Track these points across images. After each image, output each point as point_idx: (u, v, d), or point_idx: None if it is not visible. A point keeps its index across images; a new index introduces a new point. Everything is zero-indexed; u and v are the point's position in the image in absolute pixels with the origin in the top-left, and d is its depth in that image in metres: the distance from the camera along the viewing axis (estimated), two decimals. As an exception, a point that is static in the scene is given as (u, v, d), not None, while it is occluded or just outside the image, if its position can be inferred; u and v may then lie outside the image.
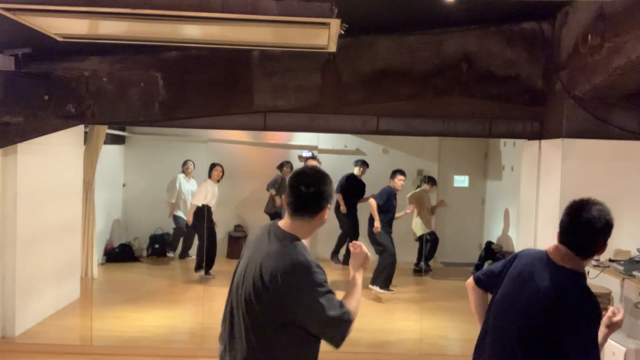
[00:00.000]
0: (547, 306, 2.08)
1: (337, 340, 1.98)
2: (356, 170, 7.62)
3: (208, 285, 7.02)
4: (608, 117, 4.49)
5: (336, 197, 7.60)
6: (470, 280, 2.46)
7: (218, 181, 7.39)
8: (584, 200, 2.15)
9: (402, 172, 6.85)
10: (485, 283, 2.41)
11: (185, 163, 8.12)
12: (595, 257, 2.16)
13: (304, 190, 2.00)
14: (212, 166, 7.44)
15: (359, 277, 2.19)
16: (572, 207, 2.14)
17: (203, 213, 7.17)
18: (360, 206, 7.54)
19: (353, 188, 7.60)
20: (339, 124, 5.11)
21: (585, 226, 2.08)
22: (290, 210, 2.04)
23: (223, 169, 7.43)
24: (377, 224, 6.60)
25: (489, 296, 2.41)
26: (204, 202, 7.24)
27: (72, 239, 6.32)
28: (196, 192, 7.50)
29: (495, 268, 2.37)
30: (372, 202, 6.70)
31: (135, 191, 8.66)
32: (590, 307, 2.06)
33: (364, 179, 7.68)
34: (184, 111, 4.91)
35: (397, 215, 6.96)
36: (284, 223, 2.07)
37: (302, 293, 1.91)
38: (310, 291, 1.92)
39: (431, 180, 7.82)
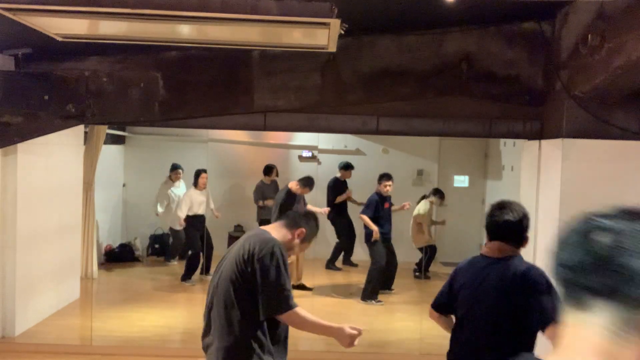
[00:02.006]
0: (503, 294, 2.39)
1: (267, 307, 2.29)
2: (339, 174, 7.70)
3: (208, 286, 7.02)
4: (608, 117, 4.49)
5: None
6: (430, 310, 2.72)
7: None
8: (501, 202, 2.54)
9: (389, 177, 6.72)
10: (440, 306, 2.68)
11: (175, 169, 7.97)
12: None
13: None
14: (198, 173, 7.36)
15: (334, 331, 2.45)
16: (492, 209, 2.52)
17: (194, 223, 7.21)
18: (354, 208, 7.55)
19: (338, 190, 7.65)
20: (339, 124, 5.11)
21: (506, 222, 2.46)
22: (275, 217, 2.48)
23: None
24: (375, 233, 6.56)
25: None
26: (197, 213, 7.26)
27: (72, 239, 6.32)
28: (181, 203, 7.43)
29: (443, 288, 2.68)
30: (364, 218, 6.65)
31: (135, 191, 8.67)
32: (538, 275, 2.37)
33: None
34: (183, 111, 4.91)
35: (393, 209, 6.92)
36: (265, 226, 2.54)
37: (270, 260, 2.30)
38: (277, 263, 2.31)
39: (439, 193, 7.78)
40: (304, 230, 2.51)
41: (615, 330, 0.82)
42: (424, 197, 7.79)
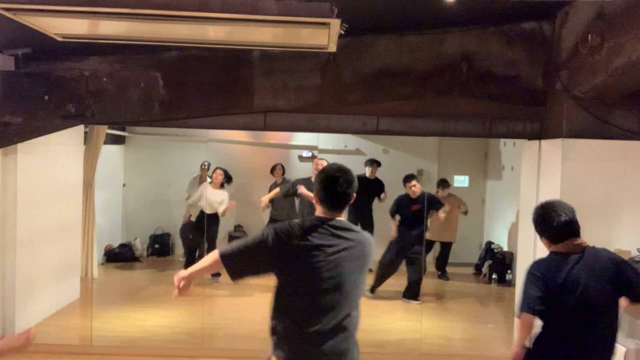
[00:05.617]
0: (605, 282, 2.63)
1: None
2: (367, 172, 7.59)
3: (208, 286, 7.03)
4: (608, 117, 4.49)
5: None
6: (527, 315, 2.66)
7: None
8: (548, 205, 2.79)
9: (410, 178, 6.67)
10: (536, 310, 2.66)
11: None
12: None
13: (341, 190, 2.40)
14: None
15: None
16: (550, 213, 2.73)
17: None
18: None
19: (362, 189, 7.54)
20: (339, 124, 5.11)
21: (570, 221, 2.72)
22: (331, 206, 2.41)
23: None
24: (392, 232, 6.65)
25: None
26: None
27: (72, 239, 6.32)
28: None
29: (535, 292, 2.65)
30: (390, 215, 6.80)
31: (135, 191, 8.66)
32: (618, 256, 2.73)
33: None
34: (184, 111, 4.90)
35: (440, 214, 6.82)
36: (330, 215, 2.42)
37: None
38: None
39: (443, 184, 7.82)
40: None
41: None
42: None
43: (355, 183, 2.45)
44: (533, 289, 2.64)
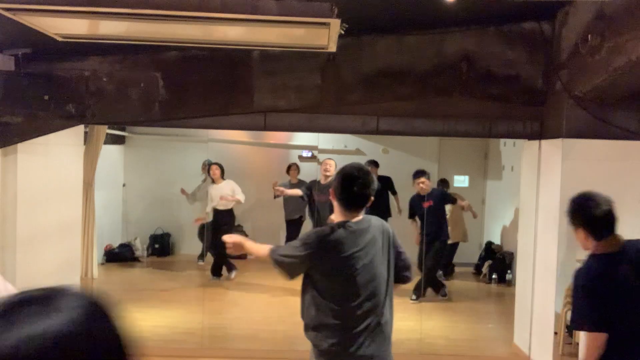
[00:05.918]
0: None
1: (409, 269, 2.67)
2: None
3: (208, 285, 7.03)
4: (608, 117, 4.49)
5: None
6: (599, 335, 2.40)
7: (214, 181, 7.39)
8: (586, 195, 2.62)
9: (419, 174, 6.54)
10: (604, 322, 2.42)
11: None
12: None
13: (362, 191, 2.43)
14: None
15: None
16: (587, 203, 2.58)
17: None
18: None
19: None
20: (339, 124, 5.11)
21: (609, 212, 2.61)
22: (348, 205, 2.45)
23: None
24: (415, 237, 6.68)
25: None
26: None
27: (72, 239, 6.31)
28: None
29: (594, 305, 2.42)
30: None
31: (135, 191, 8.67)
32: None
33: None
34: (184, 111, 4.91)
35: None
36: (348, 216, 2.46)
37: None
38: None
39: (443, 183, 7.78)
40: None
41: None
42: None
43: (374, 185, 2.42)
44: (593, 304, 2.40)
